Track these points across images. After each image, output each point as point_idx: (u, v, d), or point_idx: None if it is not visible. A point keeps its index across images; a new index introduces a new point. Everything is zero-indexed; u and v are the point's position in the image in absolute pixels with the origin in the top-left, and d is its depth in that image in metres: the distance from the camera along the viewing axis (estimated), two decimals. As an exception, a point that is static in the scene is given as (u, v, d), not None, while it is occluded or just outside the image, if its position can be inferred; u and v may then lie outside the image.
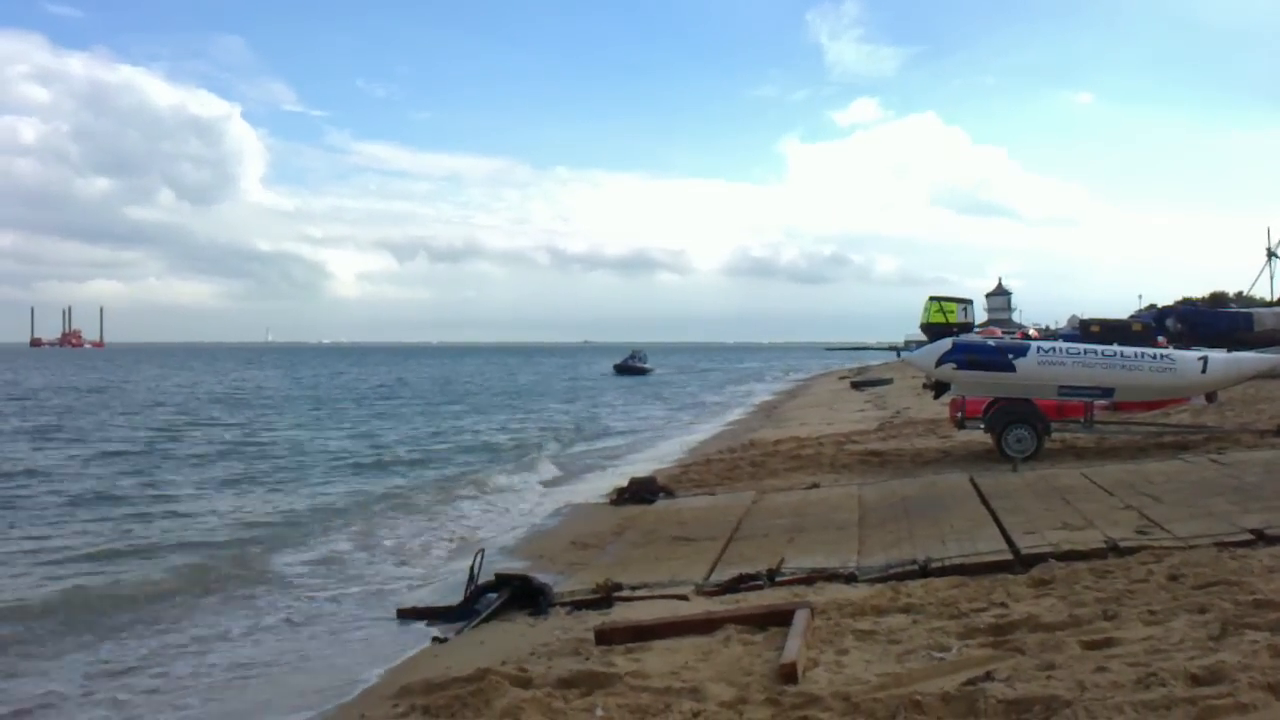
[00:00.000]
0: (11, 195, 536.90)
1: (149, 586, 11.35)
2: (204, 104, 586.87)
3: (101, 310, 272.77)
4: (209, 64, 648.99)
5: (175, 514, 16.74)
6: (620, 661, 6.54)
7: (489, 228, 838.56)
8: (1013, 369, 15.98)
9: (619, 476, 18.34)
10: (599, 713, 5.58)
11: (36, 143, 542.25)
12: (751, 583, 8.90)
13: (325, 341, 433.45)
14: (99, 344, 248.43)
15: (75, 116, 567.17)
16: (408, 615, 9.47)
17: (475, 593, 9.28)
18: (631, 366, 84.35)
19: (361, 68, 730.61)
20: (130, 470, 22.90)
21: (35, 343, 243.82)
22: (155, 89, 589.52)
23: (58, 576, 11.88)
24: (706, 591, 8.88)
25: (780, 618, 7.04)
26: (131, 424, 36.36)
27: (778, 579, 8.95)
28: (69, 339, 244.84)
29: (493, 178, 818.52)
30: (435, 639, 8.44)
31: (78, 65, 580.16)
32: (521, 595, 9.09)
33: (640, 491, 14.93)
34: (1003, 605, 7.20)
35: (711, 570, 9.66)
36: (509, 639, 7.94)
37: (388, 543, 13.92)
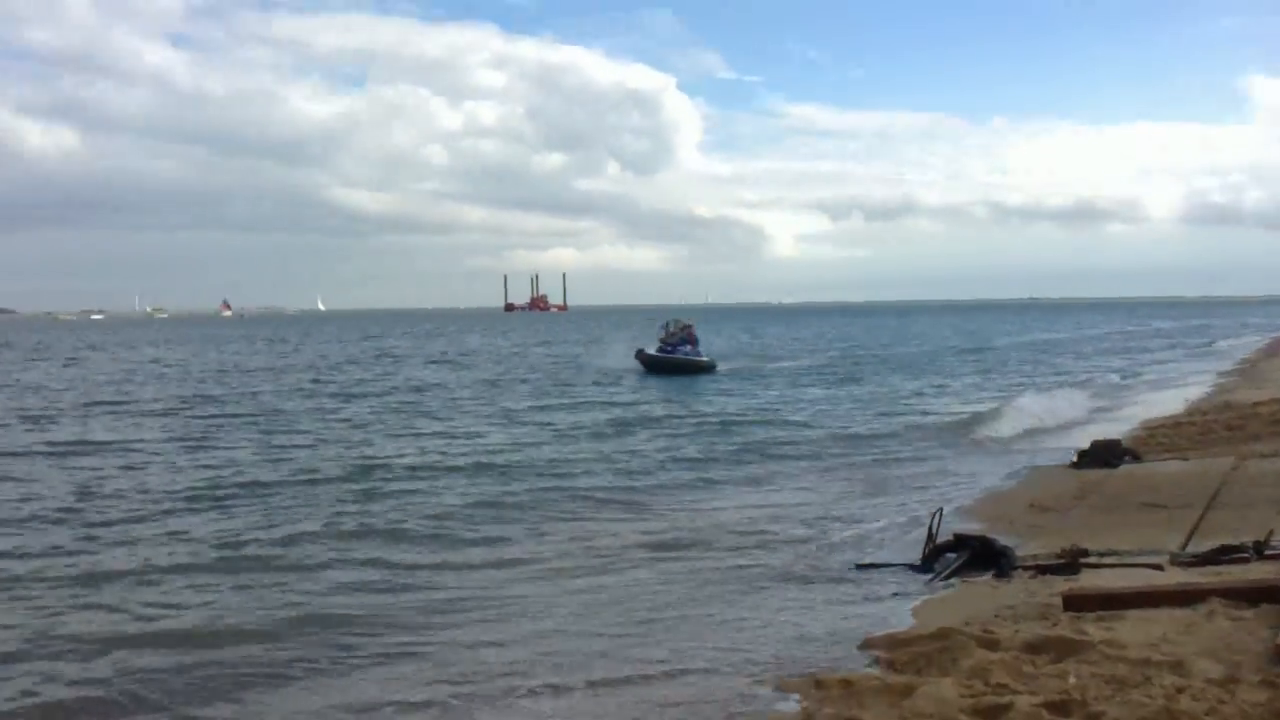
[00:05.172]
0: (481, 174, 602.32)
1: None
2: (641, 78, 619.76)
3: (564, 276, 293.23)
4: (643, 38, 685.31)
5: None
6: (1092, 630, 6.40)
7: (924, 184, 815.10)
8: None
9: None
10: (1073, 680, 5.51)
11: (496, 124, 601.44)
12: (1235, 555, 8.33)
13: (787, 301, 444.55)
14: (562, 307, 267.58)
15: (528, 98, 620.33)
16: (867, 570, 9.68)
17: (934, 552, 9.33)
18: (668, 359, 41.40)
19: (791, 30, 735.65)
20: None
21: (509, 307, 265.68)
22: (597, 67, 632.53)
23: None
24: (1183, 562, 8.42)
25: (1274, 594, 6.59)
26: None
27: (1266, 552, 8.31)
28: (537, 303, 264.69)
29: (925, 133, 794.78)
30: (896, 594, 8.59)
31: (528, 49, 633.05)
32: (981, 556, 9.04)
33: (1103, 454, 14.28)
34: None
35: (1188, 540, 9.13)
36: (971, 600, 7.95)
37: (843, 499, 14.15)
